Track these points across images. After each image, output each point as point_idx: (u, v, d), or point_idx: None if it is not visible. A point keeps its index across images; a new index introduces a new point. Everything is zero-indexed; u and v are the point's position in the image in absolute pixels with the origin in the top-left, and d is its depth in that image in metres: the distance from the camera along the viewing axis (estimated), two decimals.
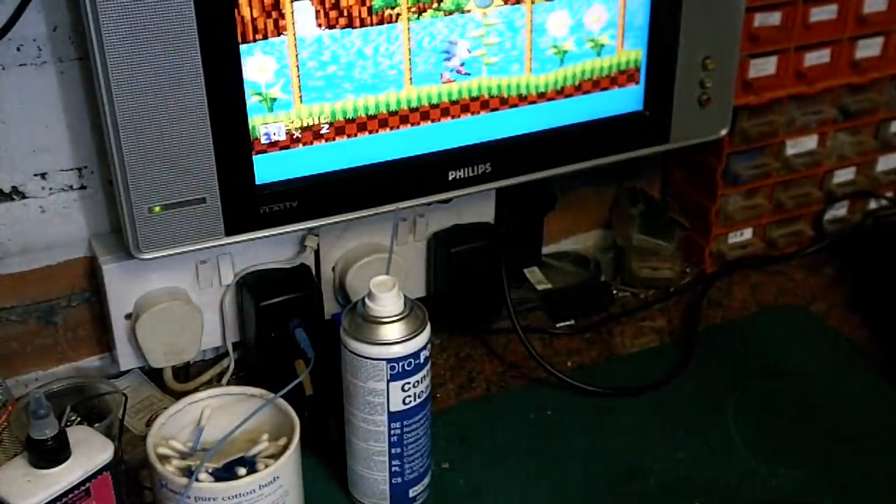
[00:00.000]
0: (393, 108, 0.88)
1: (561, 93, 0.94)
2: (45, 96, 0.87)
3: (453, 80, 0.90)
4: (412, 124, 0.89)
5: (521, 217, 1.11)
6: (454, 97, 0.90)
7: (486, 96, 0.91)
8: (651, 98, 1.00)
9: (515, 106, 0.93)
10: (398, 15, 0.85)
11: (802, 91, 1.12)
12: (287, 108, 0.84)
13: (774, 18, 1.08)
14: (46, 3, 0.84)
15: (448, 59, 0.88)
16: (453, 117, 0.91)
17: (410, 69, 0.87)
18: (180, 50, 0.76)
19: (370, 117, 0.87)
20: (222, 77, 0.79)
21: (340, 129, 0.86)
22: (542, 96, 0.94)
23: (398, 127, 0.89)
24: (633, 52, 0.97)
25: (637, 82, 0.99)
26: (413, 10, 0.85)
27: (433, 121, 0.90)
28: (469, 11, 0.87)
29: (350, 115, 0.86)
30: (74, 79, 0.87)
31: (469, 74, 0.90)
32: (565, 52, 0.93)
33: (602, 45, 0.94)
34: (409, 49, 0.86)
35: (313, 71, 0.83)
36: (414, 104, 0.88)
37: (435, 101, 0.89)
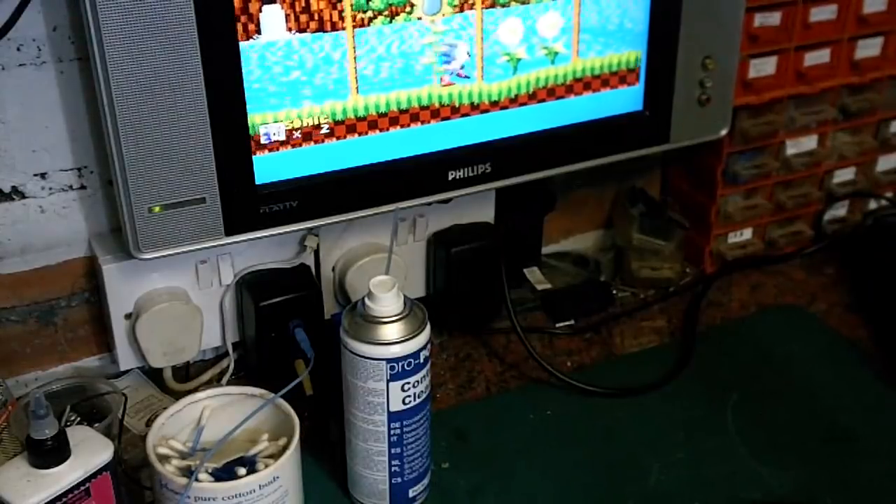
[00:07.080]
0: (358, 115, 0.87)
1: (515, 101, 0.93)
2: (45, 96, 0.87)
3: (453, 83, 0.90)
4: (402, 126, 0.89)
5: (521, 217, 1.11)
6: (425, 102, 0.89)
7: (436, 105, 0.90)
8: (651, 98, 1.00)
9: (468, 115, 0.92)
10: (370, 19, 0.84)
11: (802, 91, 1.12)
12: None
13: (774, 18, 1.08)
14: (46, 3, 0.84)
15: (448, 63, 0.88)
16: (423, 122, 0.90)
17: (357, 77, 0.85)
18: (180, 50, 0.76)
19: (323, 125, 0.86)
20: (222, 77, 0.79)
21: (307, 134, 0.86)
22: (495, 104, 0.92)
23: (397, 127, 0.89)
24: (604, 57, 0.96)
25: (637, 83, 0.99)
26: (386, 13, 0.84)
27: (428, 122, 0.90)
28: (420, 19, 0.86)
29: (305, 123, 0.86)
30: (74, 79, 0.87)
31: (468, 77, 0.90)
32: (518, 59, 0.92)
33: (556, 53, 0.94)
34: (355, 56, 0.85)
35: (277, 76, 0.82)
36: (361, 113, 0.87)
37: (383, 109, 0.88)
